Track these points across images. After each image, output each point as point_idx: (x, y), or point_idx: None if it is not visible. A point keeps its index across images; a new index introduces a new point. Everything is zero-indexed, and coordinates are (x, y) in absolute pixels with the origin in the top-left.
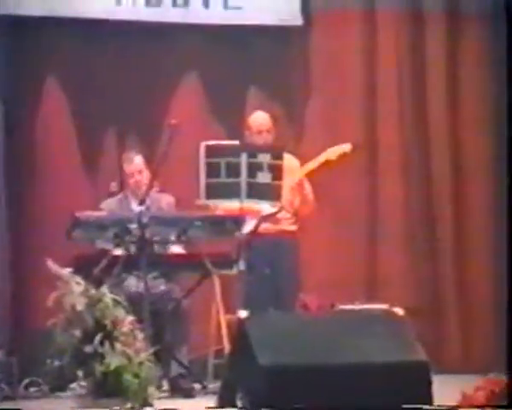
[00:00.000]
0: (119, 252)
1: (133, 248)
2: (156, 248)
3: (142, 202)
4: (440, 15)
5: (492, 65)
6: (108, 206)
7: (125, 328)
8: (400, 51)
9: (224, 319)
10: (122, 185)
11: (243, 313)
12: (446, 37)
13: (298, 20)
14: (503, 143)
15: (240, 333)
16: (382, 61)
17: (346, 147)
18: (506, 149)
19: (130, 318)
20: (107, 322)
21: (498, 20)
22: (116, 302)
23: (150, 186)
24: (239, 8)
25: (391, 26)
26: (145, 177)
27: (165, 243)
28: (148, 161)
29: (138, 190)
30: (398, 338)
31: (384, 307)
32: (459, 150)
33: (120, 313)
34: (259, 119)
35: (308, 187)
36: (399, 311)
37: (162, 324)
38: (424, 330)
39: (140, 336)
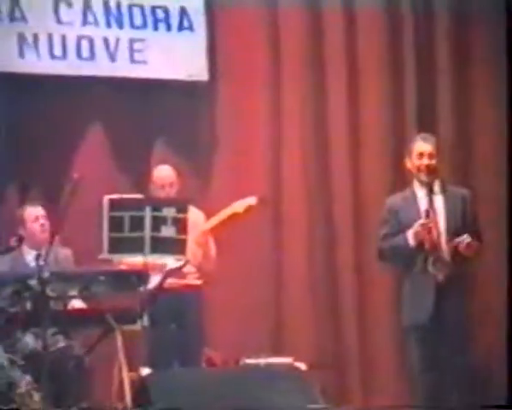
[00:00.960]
0: (16, 309)
1: (32, 305)
2: (55, 303)
3: (38, 256)
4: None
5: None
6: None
7: (21, 389)
8: (303, 103)
9: (126, 376)
10: (20, 239)
11: (145, 371)
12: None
13: (204, 76)
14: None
15: (141, 391)
16: (286, 113)
17: (251, 200)
18: (506, 149)
19: (27, 378)
20: (2, 383)
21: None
22: (12, 362)
23: (52, 240)
24: (145, 62)
25: (295, 81)
26: (46, 228)
27: (67, 298)
28: (51, 215)
29: (33, 239)
30: (302, 393)
31: (288, 360)
32: (361, 201)
33: (16, 373)
34: (163, 173)
35: (211, 241)
36: (303, 366)
37: (62, 382)
38: (327, 384)
39: (37, 396)
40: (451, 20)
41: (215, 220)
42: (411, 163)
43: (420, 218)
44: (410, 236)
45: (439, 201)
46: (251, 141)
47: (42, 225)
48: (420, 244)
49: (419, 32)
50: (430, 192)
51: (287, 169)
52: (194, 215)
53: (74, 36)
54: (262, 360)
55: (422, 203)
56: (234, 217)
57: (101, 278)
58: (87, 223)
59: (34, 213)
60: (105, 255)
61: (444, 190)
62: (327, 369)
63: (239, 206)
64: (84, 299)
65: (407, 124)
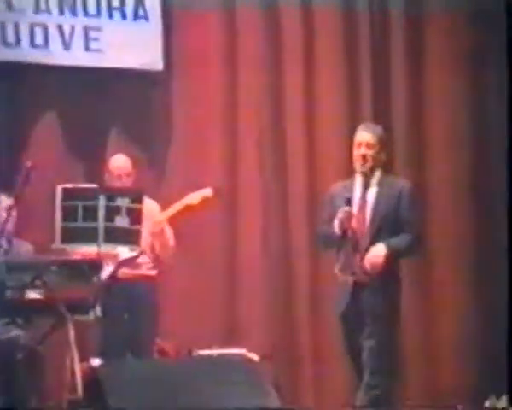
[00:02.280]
0: None
1: None
2: (10, 293)
3: None
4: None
5: None
6: None
7: None
8: (260, 94)
9: (78, 366)
10: None
11: (96, 361)
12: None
13: (159, 65)
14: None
15: (93, 381)
16: (243, 105)
17: (206, 191)
18: (506, 149)
19: None
20: None
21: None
22: None
23: (3, 228)
24: (100, 50)
25: (252, 69)
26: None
27: (19, 288)
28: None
29: None
30: (254, 384)
31: (241, 351)
32: (316, 191)
33: None
34: (119, 162)
35: (168, 232)
36: (255, 357)
37: (12, 372)
38: (280, 376)
39: None
40: (406, 19)
41: (170, 211)
42: (354, 153)
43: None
44: (336, 224)
45: (371, 191)
46: (206, 132)
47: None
48: (344, 233)
49: (374, 30)
50: (365, 182)
51: (242, 160)
52: (149, 206)
53: (27, 23)
54: (215, 351)
55: (358, 192)
56: (189, 208)
57: (54, 267)
58: (40, 212)
59: None
60: (58, 245)
61: (380, 182)
62: (279, 360)
63: (194, 197)
64: (37, 289)
65: (363, 118)
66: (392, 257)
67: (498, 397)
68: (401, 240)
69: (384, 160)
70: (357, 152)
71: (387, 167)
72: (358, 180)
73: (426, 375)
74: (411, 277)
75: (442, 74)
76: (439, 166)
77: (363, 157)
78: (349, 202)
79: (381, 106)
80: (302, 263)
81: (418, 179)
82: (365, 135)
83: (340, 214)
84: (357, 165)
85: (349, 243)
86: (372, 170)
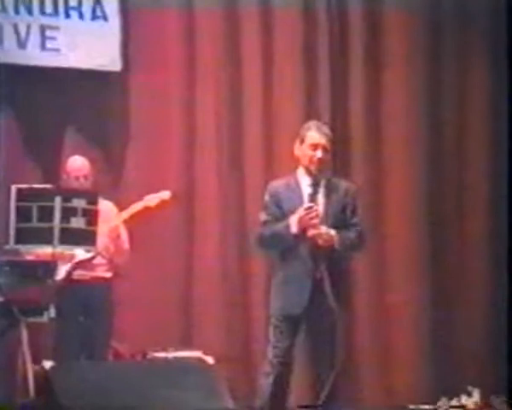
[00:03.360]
0: None
1: None
2: None
3: None
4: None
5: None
6: None
7: None
8: (219, 93)
9: (31, 369)
10: None
11: (48, 364)
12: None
13: (117, 66)
14: None
15: (44, 384)
16: (201, 107)
17: (164, 194)
18: (506, 149)
19: None
20: None
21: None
22: None
23: None
24: (57, 50)
25: (209, 69)
26: None
27: None
28: None
29: None
30: (209, 387)
31: (197, 353)
32: None
33: None
34: (77, 164)
35: (124, 234)
36: (210, 359)
37: None
38: (235, 378)
39: None
40: (364, 17)
41: (127, 213)
42: (301, 151)
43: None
44: (294, 222)
45: (321, 192)
46: (164, 134)
47: None
48: (302, 232)
49: (333, 30)
50: (313, 182)
51: (200, 163)
52: (106, 207)
53: None
54: (170, 354)
55: (306, 192)
56: (146, 211)
57: (7, 268)
58: None
59: None
60: (11, 246)
61: (327, 183)
62: (235, 362)
63: (151, 200)
64: None
65: (321, 117)
66: (342, 244)
67: (452, 397)
68: (348, 234)
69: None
70: (312, 154)
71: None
72: (305, 180)
73: (380, 373)
74: (367, 276)
75: (399, 72)
76: (395, 164)
77: (320, 161)
78: (312, 199)
79: (339, 105)
80: (259, 265)
81: (375, 177)
82: (320, 137)
83: (303, 212)
84: (311, 167)
85: (308, 241)
86: (323, 172)
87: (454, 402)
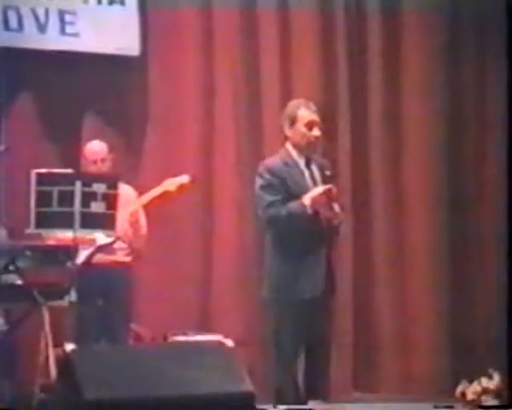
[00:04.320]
0: None
1: None
2: None
3: None
4: None
5: None
6: None
7: None
8: (237, 80)
9: (52, 352)
10: None
11: (69, 346)
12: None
13: (135, 51)
14: None
15: (66, 367)
16: (219, 90)
17: (183, 179)
18: (506, 149)
19: None
20: None
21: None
22: None
23: None
24: (76, 34)
25: (228, 55)
26: None
27: None
28: None
29: None
30: (228, 370)
31: (216, 337)
32: None
33: None
34: (95, 147)
35: (143, 218)
36: (230, 342)
37: None
38: (255, 362)
39: None
40: (382, 18)
41: (146, 198)
42: (294, 131)
43: (306, 186)
44: (308, 202)
45: (315, 171)
46: (183, 117)
47: None
48: (315, 213)
49: (351, 31)
50: (308, 161)
51: (219, 146)
52: (125, 192)
53: (1, 6)
54: (190, 338)
55: (305, 172)
56: (165, 195)
57: (28, 252)
58: (15, 197)
59: None
60: (32, 230)
61: (317, 161)
62: (254, 346)
63: (171, 184)
64: (10, 274)
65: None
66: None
67: (473, 380)
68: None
69: None
70: (308, 132)
71: None
72: (300, 160)
73: (400, 363)
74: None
75: (418, 72)
76: (414, 165)
77: (318, 138)
78: (331, 179)
79: (358, 106)
80: None
81: (394, 176)
82: (314, 115)
83: (318, 193)
84: (308, 146)
85: (323, 221)
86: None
87: (475, 385)
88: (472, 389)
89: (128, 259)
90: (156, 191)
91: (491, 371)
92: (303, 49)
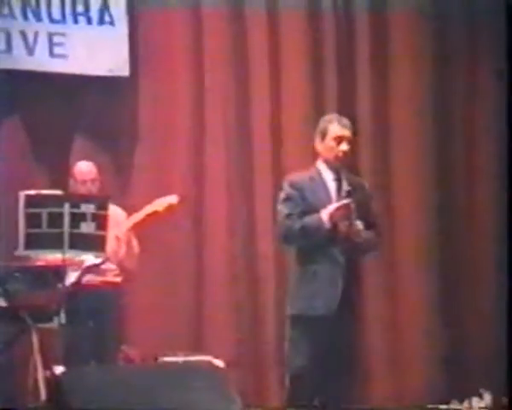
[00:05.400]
0: None
1: None
2: None
3: None
4: None
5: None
6: None
7: None
8: (227, 96)
9: (42, 374)
10: None
11: (58, 369)
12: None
13: (125, 71)
14: None
15: (55, 389)
16: (209, 111)
17: (172, 199)
18: (506, 150)
19: None
20: None
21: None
22: None
23: None
24: (65, 56)
25: (218, 71)
26: None
27: None
28: None
29: None
30: (217, 390)
31: (207, 358)
32: None
33: None
34: (83, 168)
35: (133, 238)
36: (220, 363)
37: None
38: (246, 382)
39: None
40: (371, 18)
41: (136, 218)
42: (324, 145)
43: (330, 201)
44: (326, 216)
45: (344, 187)
46: (172, 138)
47: None
48: (333, 226)
49: (340, 31)
50: (336, 177)
51: (209, 166)
52: (115, 212)
53: None
54: (180, 358)
55: (331, 186)
56: (154, 215)
57: (17, 274)
58: (4, 219)
59: None
60: (21, 252)
61: (347, 178)
62: (245, 367)
63: (159, 204)
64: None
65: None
66: (366, 241)
67: (463, 400)
68: (369, 233)
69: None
70: (336, 147)
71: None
72: (328, 174)
73: (389, 377)
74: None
75: (407, 73)
76: (403, 164)
77: (345, 153)
78: (349, 194)
79: (347, 106)
80: (268, 269)
81: (382, 177)
82: (344, 130)
83: (337, 208)
84: (336, 160)
85: (339, 236)
86: (344, 165)
87: (465, 405)
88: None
89: (118, 279)
90: (146, 211)
91: (481, 390)
92: (292, 54)
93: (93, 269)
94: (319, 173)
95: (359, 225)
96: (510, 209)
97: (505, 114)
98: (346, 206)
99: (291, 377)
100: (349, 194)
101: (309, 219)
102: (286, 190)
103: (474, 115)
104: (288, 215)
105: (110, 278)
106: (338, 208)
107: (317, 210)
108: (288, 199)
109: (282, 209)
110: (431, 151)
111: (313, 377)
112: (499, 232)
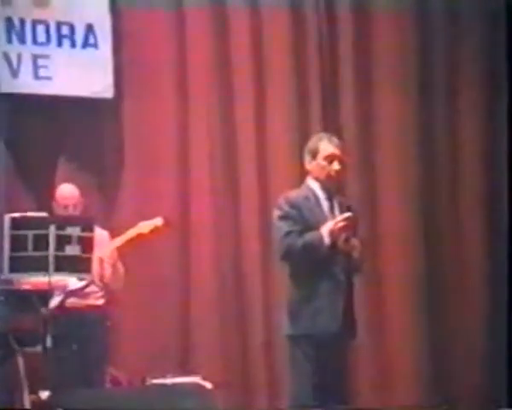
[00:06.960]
0: None
1: None
2: None
3: None
4: None
5: None
6: None
7: None
8: (211, 124)
9: (28, 399)
10: None
11: (44, 394)
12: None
13: (109, 93)
14: None
15: None
16: (193, 132)
17: (157, 221)
18: (506, 149)
19: None
20: None
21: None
22: None
23: None
24: (49, 78)
25: (201, 98)
26: None
27: None
28: None
29: None
30: None
31: (195, 379)
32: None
33: None
34: (65, 192)
35: (118, 260)
36: (208, 385)
37: None
38: (233, 403)
39: None
40: (354, 19)
41: (120, 240)
42: (315, 165)
43: (325, 219)
44: (326, 233)
45: (336, 206)
46: (157, 160)
47: None
48: (333, 244)
49: (322, 31)
50: (328, 196)
51: (194, 188)
52: (99, 235)
53: None
54: (168, 380)
55: (325, 205)
56: (139, 237)
57: (1, 298)
58: None
59: None
60: (6, 275)
61: (338, 197)
62: (233, 387)
63: (145, 226)
64: None
65: (312, 123)
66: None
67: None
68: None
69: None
70: (328, 166)
71: None
72: (320, 193)
73: (377, 387)
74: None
75: (390, 72)
76: (386, 170)
77: (338, 173)
78: (350, 209)
79: (330, 105)
80: (255, 291)
81: (366, 190)
82: (335, 149)
83: (337, 224)
84: (328, 180)
85: (339, 254)
86: (336, 184)
87: None
88: None
89: (102, 302)
90: (130, 234)
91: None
92: (275, 53)
93: (76, 292)
94: (313, 192)
95: (355, 241)
96: (497, 221)
97: (506, 115)
98: (348, 219)
99: (294, 399)
100: (349, 208)
101: (310, 237)
102: (284, 208)
103: (459, 112)
104: (288, 233)
105: (94, 300)
106: (339, 223)
107: (314, 228)
108: (286, 217)
109: (282, 227)
110: (416, 151)
111: (316, 396)
112: (489, 253)
